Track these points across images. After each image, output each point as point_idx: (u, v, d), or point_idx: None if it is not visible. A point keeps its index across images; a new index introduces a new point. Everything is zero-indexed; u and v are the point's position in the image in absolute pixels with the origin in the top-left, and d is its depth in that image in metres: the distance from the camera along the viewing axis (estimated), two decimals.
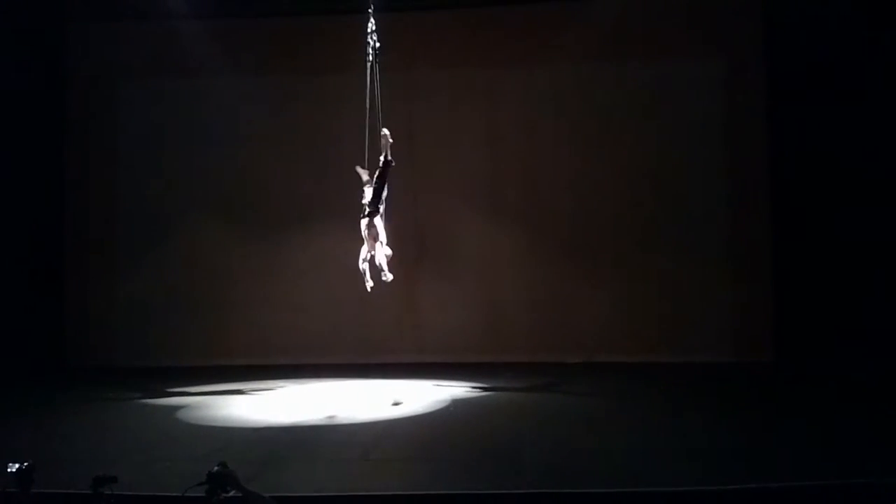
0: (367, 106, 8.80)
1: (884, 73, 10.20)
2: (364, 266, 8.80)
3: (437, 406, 8.62)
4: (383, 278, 8.75)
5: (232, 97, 11.96)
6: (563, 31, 11.44)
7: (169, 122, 12.23)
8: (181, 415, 8.41)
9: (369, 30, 8.75)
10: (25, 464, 4.04)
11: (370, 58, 8.76)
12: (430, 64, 11.82)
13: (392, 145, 8.77)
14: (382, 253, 8.70)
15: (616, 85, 11.69)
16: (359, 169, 9.00)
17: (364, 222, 8.74)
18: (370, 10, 8.75)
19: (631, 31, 11.52)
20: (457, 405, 8.68)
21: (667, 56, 11.57)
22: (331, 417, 8.03)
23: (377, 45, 8.74)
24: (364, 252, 8.77)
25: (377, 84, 8.81)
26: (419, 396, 9.15)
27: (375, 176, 8.75)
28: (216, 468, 3.83)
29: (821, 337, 10.36)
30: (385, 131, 8.73)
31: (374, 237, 8.69)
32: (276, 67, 12.05)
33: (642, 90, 11.61)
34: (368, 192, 8.77)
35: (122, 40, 12.12)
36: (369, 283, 8.83)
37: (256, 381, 10.19)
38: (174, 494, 4.82)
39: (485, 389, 9.60)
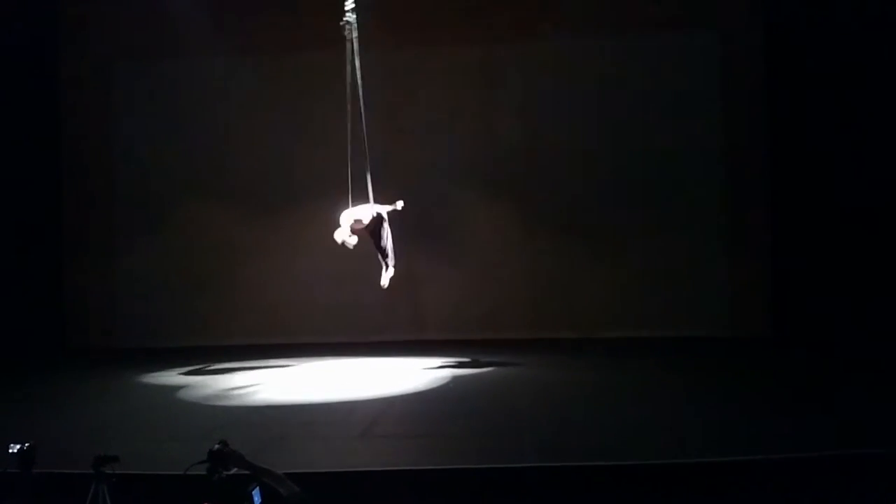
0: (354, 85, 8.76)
1: (883, 43, 10.14)
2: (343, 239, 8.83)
3: (437, 383, 8.65)
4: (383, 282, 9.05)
5: (228, 76, 11.93)
6: (560, 4, 11.38)
7: (166, 102, 12.20)
8: (182, 394, 8.43)
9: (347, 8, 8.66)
10: (27, 444, 4.06)
11: (348, 36, 8.68)
12: (426, 39, 11.75)
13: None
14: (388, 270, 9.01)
15: (613, 58, 11.63)
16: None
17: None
18: None
19: (629, 5, 11.47)
20: (456, 382, 8.71)
21: (664, 27, 11.51)
22: (331, 395, 8.06)
23: (352, 22, 8.64)
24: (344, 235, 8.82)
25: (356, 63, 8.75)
26: (419, 374, 9.18)
27: (373, 224, 8.88)
28: (217, 446, 3.85)
29: (818, 311, 10.39)
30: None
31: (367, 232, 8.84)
32: (271, 46, 11.96)
33: (639, 63, 11.56)
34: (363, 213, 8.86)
35: (118, 21, 12.05)
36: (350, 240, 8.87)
37: (256, 361, 10.22)
38: (175, 473, 4.84)
39: (484, 366, 9.63)
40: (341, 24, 8.59)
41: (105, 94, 12.27)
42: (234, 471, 3.84)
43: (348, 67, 8.66)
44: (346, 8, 8.58)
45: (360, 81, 8.72)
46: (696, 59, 11.55)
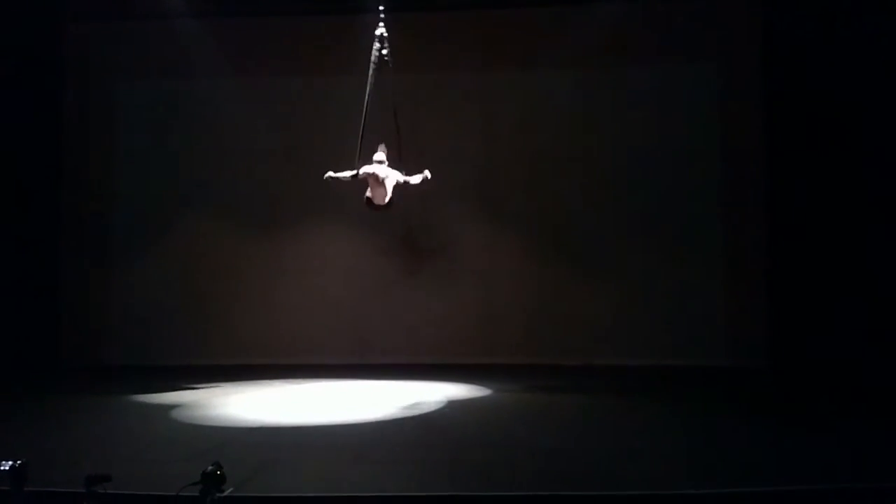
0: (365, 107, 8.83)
1: (883, 77, 10.21)
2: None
3: (433, 408, 8.62)
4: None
5: (230, 97, 11.97)
6: (561, 36, 11.44)
7: (167, 122, 12.24)
8: (175, 414, 8.39)
9: (378, 35, 8.75)
10: (19, 462, 4.04)
11: (375, 63, 8.77)
12: (427, 67, 11.80)
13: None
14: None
15: (613, 89, 11.73)
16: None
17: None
18: (381, 18, 8.74)
19: (628, 36, 11.55)
20: (452, 407, 8.68)
21: (664, 61, 11.61)
22: (325, 418, 8.02)
23: (385, 50, 8.74)
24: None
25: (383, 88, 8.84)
26: (413, 398, 9.15)
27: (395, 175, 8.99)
28: (210, 468, 3.84)
29: (815, 341, 10.39)
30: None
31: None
32: (275, 68, 12.06)
33: (639, 95, 11.65)
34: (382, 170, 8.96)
35: (121, 40, 12.12)
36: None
37: (251, 381, 10.19)
38: (168, 494, 4.82)
39: (479, 391, 9.60)
40: (377, 34, 8.71)
41: (107, 113, 12.31)
42: (227, 492, 3.84)
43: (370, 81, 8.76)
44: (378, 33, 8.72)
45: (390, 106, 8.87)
46: (694, 90, 11.63)
